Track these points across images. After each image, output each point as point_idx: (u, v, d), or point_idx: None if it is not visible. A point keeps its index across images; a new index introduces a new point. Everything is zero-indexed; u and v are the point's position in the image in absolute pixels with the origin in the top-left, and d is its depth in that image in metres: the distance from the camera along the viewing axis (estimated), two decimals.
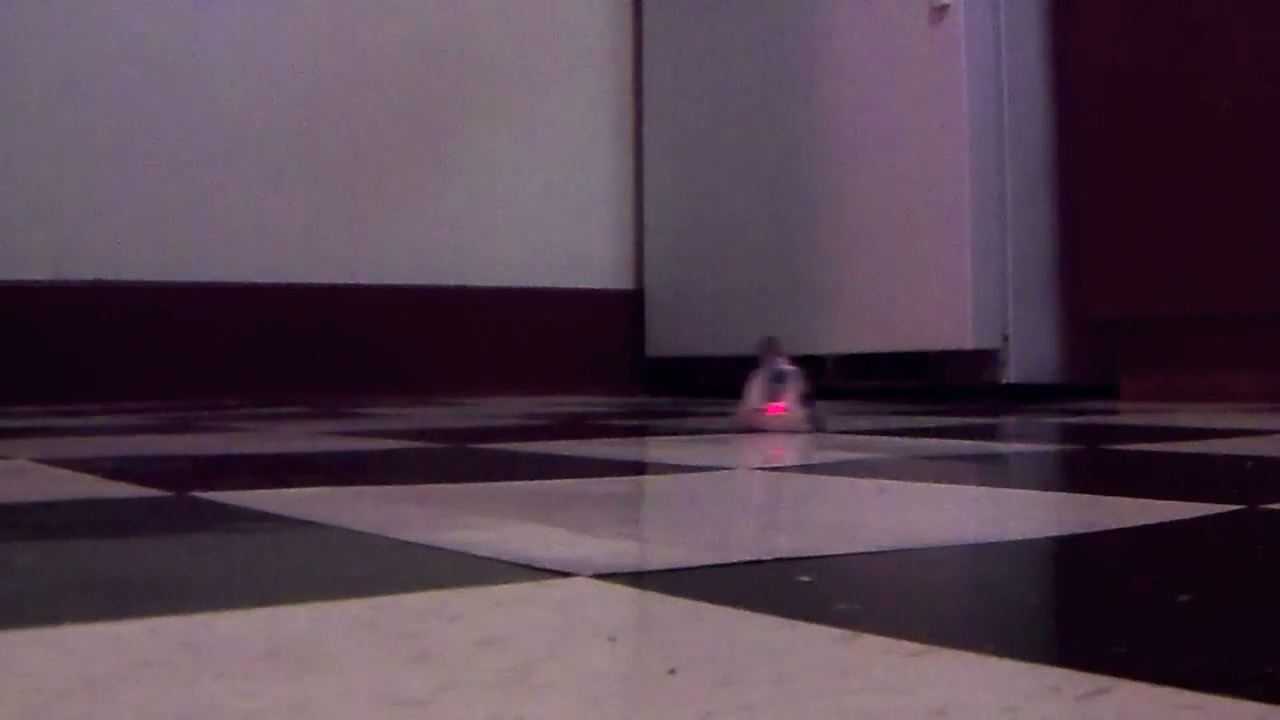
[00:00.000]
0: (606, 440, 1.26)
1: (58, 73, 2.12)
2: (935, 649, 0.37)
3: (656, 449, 1.20)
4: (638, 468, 1.04)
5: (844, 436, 1.26)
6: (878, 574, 0.52)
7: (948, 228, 1.96)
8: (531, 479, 0.89)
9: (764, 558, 0.53)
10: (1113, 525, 0.63)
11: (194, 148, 2.21)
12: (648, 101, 2.53)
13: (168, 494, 0.79)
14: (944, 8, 1.96)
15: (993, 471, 0.99)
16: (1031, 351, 1.99)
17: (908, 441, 1.19)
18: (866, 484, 0.85)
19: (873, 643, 0.38)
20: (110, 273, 2.15)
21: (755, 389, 1.30)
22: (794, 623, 0.41)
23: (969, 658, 0.36)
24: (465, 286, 2.42)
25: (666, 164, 2.48)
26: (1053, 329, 2.02)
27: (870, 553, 0.56)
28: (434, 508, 0.71)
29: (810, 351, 2.20)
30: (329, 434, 1.34)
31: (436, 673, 0.34)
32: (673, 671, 0.34)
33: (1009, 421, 1.49)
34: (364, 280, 2.34)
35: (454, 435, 1.33)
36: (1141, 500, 0.74)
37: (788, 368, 1.31)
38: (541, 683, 0.33)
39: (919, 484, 0.87)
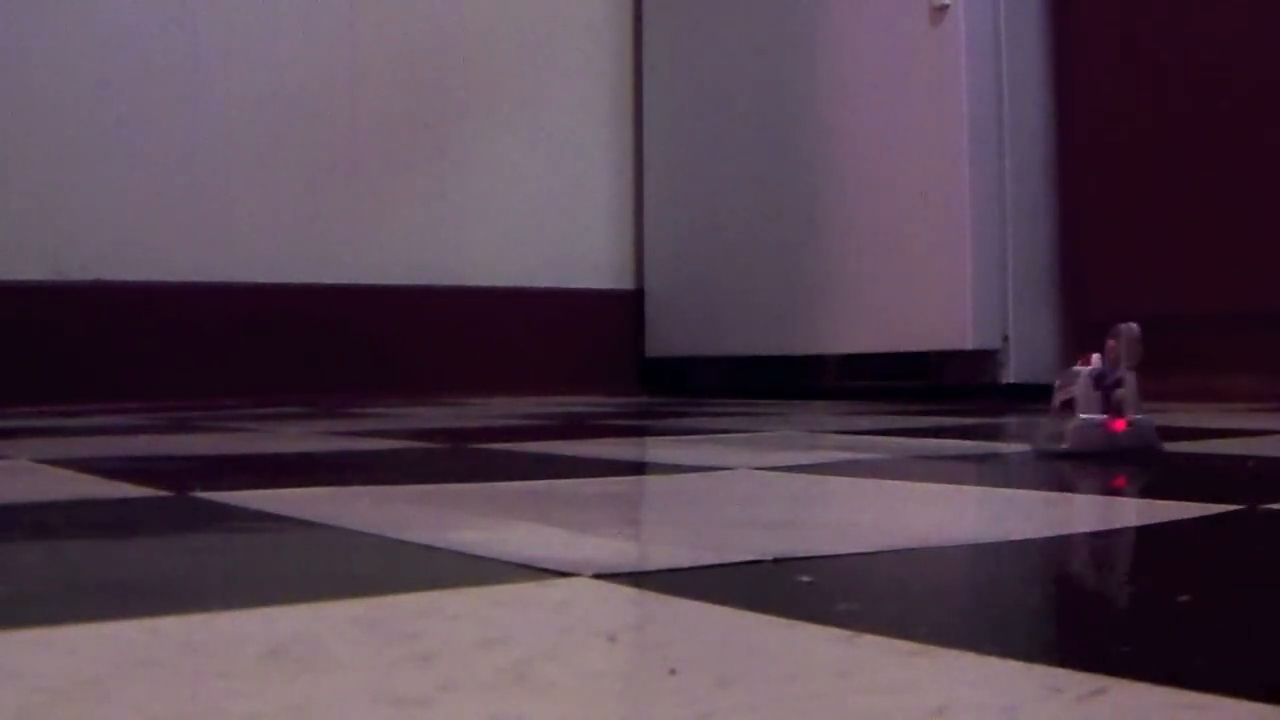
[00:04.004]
0: (606, 440, 1.26)
1: (57, 72, 2.12)
2: (935, 649, 0.37)
3: (656, 449, 1.20)
4: (638, 468, 1.04)
5: (844, 436, 1.26)
6: (878, 574, 0.52)
7: (948, 228, 1.96)
8: (531, 479, 0.89)
9: (764, 558, 0.53)
10: (1113, 525, 0.63)
11: (194, 147, 2.21)
12: (648, 101, 2.53)
13: (168, 494, 0.79)
14: (944, 8, 1.96)
15: (993, 471, 0.99)
16: (1031, 352, 1.99)
17: (908, 441, 1.19)
18: (866, 484, 0.85)
19: (873, 643, 0.38)
20: (110, 273, 2.15)
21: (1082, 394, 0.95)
22: (794, 623, 0.41)
23: (969, 658, 0.36)
24: (465, 286, 2.42)
25: (666, 164, 2.48)
26: (1053, 329, 2.02)
27: (870, 553, 0.56)
28: (434, 508, 0.71)
29: (810, 351, 2.20)
30: (329, 434, 1.34)
31: (436, 673, 0.34)
32: (673, 671, 0.34)
33: (1009, 421, 1.49)
34: (364, 280, 2.33)
35: (454, 435, 1.33)
36: (1142, 500, 0.74)
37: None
38: (541, 683, 0.33)
39: (919, 484, 0.87)
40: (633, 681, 0.35)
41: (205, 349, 2.20)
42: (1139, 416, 0.95)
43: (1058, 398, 0.96)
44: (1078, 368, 0.97)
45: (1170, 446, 1.09)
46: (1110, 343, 0.95)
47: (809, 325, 2.16)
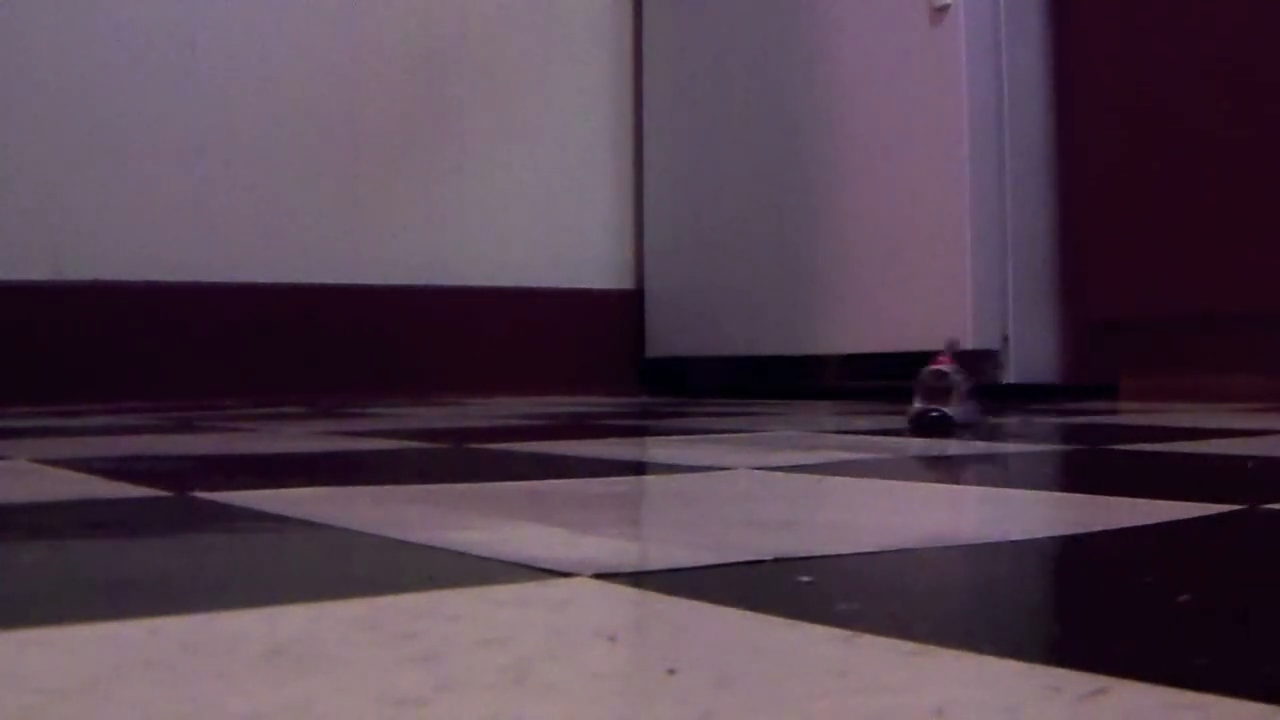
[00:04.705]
0: (607, 440, 1.26)
1: (57, 71, 2.12)
2: (935, 649, 0.37)
3: (656, 449, 1.20)
4: (638, 468, 1.04)
5: (844, 436, 1.26)
6: (878, 574, 0.52)
7: (948, 228, 1.96)
8: (531, 479, 0.89)
9: (764, 558, 0.53)
10: (1112, 525, 0.63)
11: (194, 147, 2.21)
12: (648, 101, 2.53)
13: (168, 494, 0.79)
14: (944, 8, 1.96)
15: (993, 471, 0.99)
16: (1031, 352, 1.99)
17: (908, 441, 1.19)
18: (866, 484, 0.85)
19: (873, 643, 0.38)
20: (110, 273, 2.15)
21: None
22: (794, 623, 0.41)
23: (969, 658, 0.36)
24: (466, 286, 2.42)
25: (666, 164, 2.48)
26: (1053, 329, 2.02)
27: (870, 553, 0.56)
28: (434, 508, 0.71)
29: (810, 351, 2.20)
30: (329, 434, 1.34)
31: (436, 673, 0.34)
32: (673, 671, 0.34)
33: (1009, 421, 1.49)
34: (364, 280, 2.33)
35: (454, 435, 1.33)
36: (1141, 500, 0.74)
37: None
38: (541, 683, 0.33)
39: (919, 484, 0.87)
40: (633, 681, 0.35)
41: (205, 349, 2.20)
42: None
43: (965, 386, 1.32)
44: (942, 367, 1.33)
45: (1170, 446, 1.09)
46: (950, 352, 1.38)
47: (809, 325, 2.16)
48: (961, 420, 1.28)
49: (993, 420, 1.37)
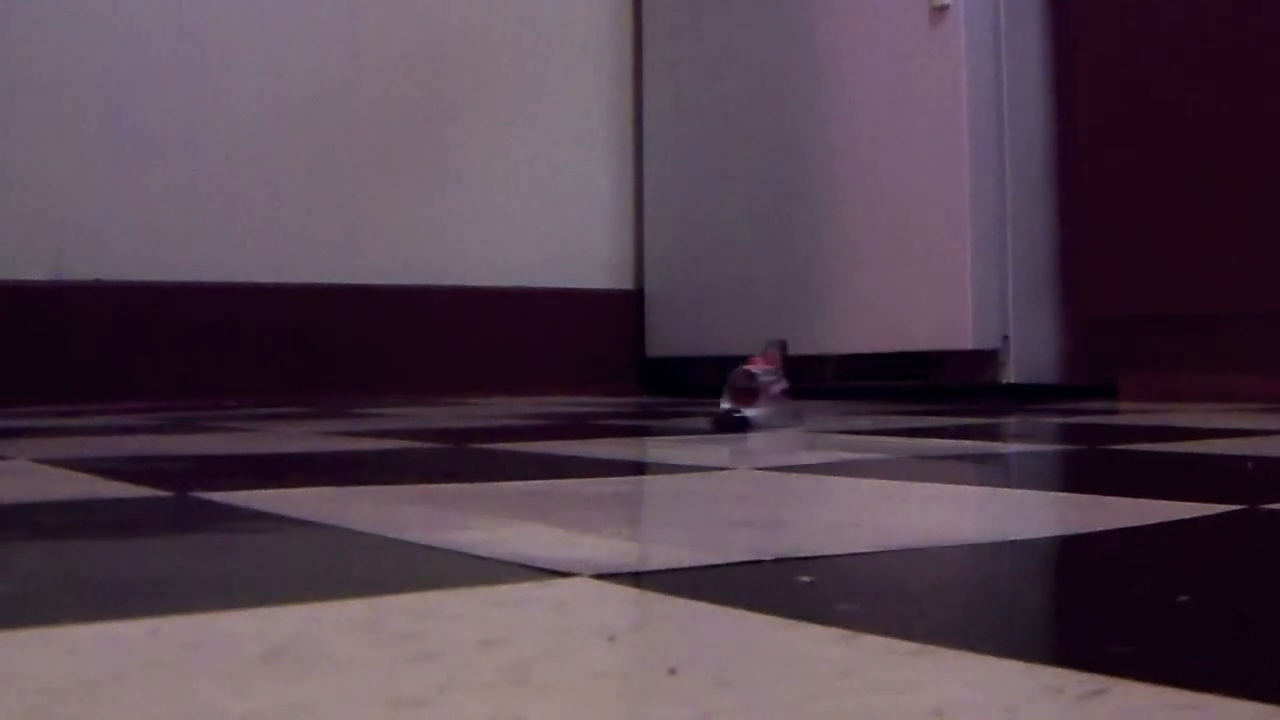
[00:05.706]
0: (606, 440, 1.26)
1: (57, 71, 2.12)
2: (935, 649, 0.37)
3: (656, 449, 1.20)
4: (638, 468, 1.04)
5: (844, 436, 1.26)
6: (878, 574, 0.52)
7: (948, 228, 1.96)
8: (531, 479, 0.89)
9: (764, 558, 0.53)
10: (1112, 525, 0.63)
11: (194, 147, 2.21)
12: (648, 101, 2.53)
13: (168, 494, 0.79)
14: (944, 8, 1.96)
15: (993, 471, 0.99)
16: (1031, 351, 1.99)
17: (908, 441, 1.19)
18: (866, 484, 0.85)
19: (873, 643, 0.38)
20: (110, 273, 2.15)
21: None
22: (794, 623, 0.41)
23: (969, 658, 0.36)
24: (465, 286, 2.42)
25: (666, 164, 2.48)
26: (1052, 329, 2.02)
27: (870, 553, 0.56)
28: (434, 508, 0.71)
29: (810, 351, 2.20)
30: (329, 434, 1.34)
31: (436, 673, 0.34)
32: (673, 671, 0.34)
33: (1009, 421, 1.49)
34: (364, 280, 2.33)
35: (454, 435, 1.33)
36: (1141, 500, 0.74)
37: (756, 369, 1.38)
38: (541, 683, 0.33)
39: (919, 484, 0.87)
40: (633, 681, 0.35)
41: (205, 349, 2.20)
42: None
43: (775, 388, 1.38)
44: (751, 369, 1.38)
45: (1170, 446, 1.09)
46: (768, 353, 1.44)
47: (809, 325, 2.16)
48: (763, 421, 1.33)
49: (802, 420, 1.40)
